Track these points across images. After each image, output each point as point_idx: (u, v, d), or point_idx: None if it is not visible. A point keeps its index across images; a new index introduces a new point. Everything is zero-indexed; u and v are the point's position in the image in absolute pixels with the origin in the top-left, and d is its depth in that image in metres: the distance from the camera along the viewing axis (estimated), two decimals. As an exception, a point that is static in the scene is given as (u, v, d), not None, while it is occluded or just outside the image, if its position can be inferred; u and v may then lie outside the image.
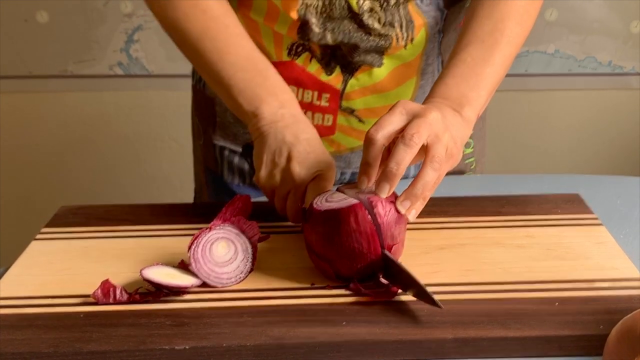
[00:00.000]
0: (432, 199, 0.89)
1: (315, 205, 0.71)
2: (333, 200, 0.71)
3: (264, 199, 0.86)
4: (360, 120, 0.93)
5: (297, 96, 0.91)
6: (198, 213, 0.87)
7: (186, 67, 0.95)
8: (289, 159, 0.77)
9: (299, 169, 0.76)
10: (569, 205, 0.87)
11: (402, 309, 0.67)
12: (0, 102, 1.88)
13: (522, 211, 0.86)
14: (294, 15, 0.85)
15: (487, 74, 0.79)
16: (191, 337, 0.63)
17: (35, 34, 1.81)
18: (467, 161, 1.03)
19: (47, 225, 0.85)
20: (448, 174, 1.00)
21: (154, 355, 0.62)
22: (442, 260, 0.76)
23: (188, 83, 1.09)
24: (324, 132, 0.93)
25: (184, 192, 1.93)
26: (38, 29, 1.81)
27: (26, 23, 1.80)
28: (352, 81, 0.89)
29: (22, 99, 1.89)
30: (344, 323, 0.65)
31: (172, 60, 1.82)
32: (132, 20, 1.79)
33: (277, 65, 0.89)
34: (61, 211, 0.88)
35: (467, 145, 1.02)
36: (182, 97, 1.41)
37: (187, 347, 0.62)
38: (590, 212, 0.85)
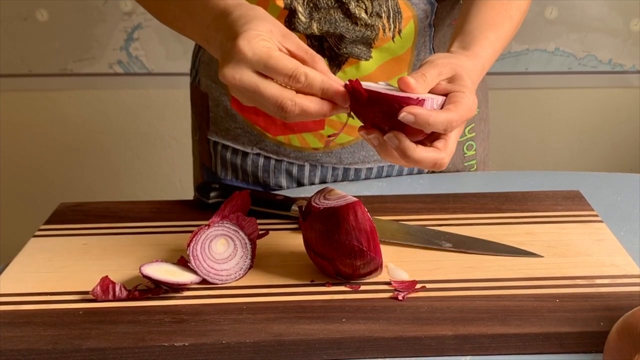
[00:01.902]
0: (432, 196, 0.89)
1: (313, 204, 0.71)
2: (331, 198, 0.71)
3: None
4: (349, 115, 0.92)
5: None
6: (197, 210, 0.87)
7: (186, 65, 0.95)
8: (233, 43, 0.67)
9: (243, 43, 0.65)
10: (570, 202, 0.87)
11: (402, 306, 0.67)
12: (-1, 101, 1.88)
13: (523, 208, 0.85)
14: (280, 2, 0.85)
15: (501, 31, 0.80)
16: (190, 334, 0.63)
17: (34, 32, 1.81)
18: (467, 163, 1.03)
19: (46, 223, 0.85)
20: (447, 171, 1.01)
21: (153, 352, 0.62)
22: (443, 257, 0.75)
23: (187, 81, 1.09)
24: (313, 126, 0.93)
25: (184, 190, 1.93)
26: (38, 27, 1.80)
27: (26, 21, 1.80)
28: (339, 74, 0.89)
29: (21, 98, 1.88)
30: (343, 320, 0.65)
31: (171, 58, 1.82)
32: (132, 19, 1.79)
33: None
34: (60, 208, 0.88)
35: (469, 147, 1.02)
36: (182, 96, 1.41)
37: (186, 343, 0.62)
38: (591, 209, 0.85)
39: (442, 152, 0.66)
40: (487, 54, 0.77)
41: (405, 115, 0.63)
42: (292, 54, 0.66)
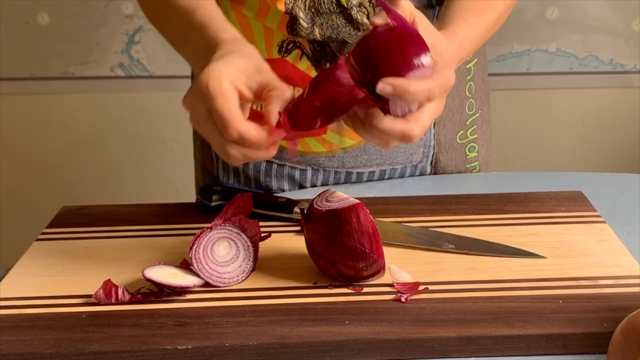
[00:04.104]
0: (434, 197, 0.89)
1: (315, 206, 0.71)
2: (333, 200, 0.71)
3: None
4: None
5: None
6: (199, 212, 0.87)
7: (187, 68, 0.95)
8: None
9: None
10: (572, 203, 0.86)
11: (405, 308, 0.67)
12: (1, 104, 1.88)
13: (525, 209, 0.85)
14: (280, 7, 0.85)
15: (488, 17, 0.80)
16: (194, 337, 0.63)
17: (36, 35, 1.81)
18: (469, 165, 1.02)
19: (49, 226, 0.85)
20: (449, 173, 1.01)
21: (156, 355, 0.62)
22: (445, 258, 0.75)
23: (189, 84, 1.09)
24: (316, 131, 0.92)
25: (186, 192, 1.92)
26: (39, 30, 1.81)
27: (27, 25, 1.80)
28: None
29: (23, 101, 1.89)
30: (346, 322, 0.65)
31: (173, 61, 1.82)
32: (133, 22, 1.79)
33: (268, 62, 0.88)
34: (63, 211, 0.88)
35: (471, 149, 1.02)
36: (184, 98, 1.41)
37: (189, 347, 0.62)
38: (594, 210, 0.85)
39: (412, 124, 0.65)
40: (466, 35, 0.76)
41: (383, 86, 0.61)
42: (257, 89, 0.66)
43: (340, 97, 0.63)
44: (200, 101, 0.65)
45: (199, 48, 0.73)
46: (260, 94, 0.66)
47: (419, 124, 0.65)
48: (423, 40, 0.63)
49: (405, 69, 0.62)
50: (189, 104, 0.67)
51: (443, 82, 0.64)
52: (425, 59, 0.63)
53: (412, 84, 0.62)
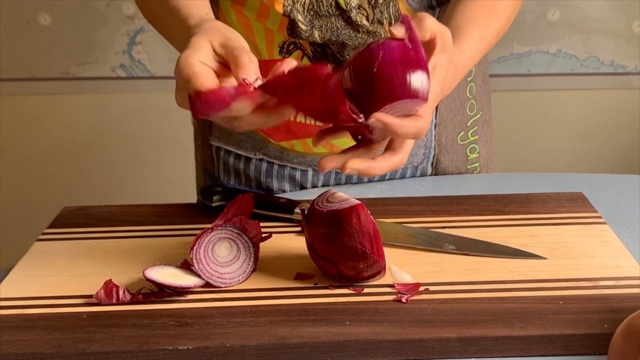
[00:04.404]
0: (435, 198, 0.89)
1: (316, 207, 0.71)
2: (334, 200, 0.71)
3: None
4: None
5: None
6: (200, 213, 0.87)
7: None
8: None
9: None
10: (573, 204, 0.87)
11: (405, 308, 0.67)
12: (2, 105, 1.88)
13: (526, 210, 0.85)
14: (279, 8, 0.85)
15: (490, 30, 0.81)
16: (194, 337, 0.63)
17: (37, 36, 1.81)
18: (470, 166, 1.03)
19: (50, 226, 0.85)
20: (450, 174, 1.01)
21: (157, 355, 0.62)
22: (446, 259, 0.75)
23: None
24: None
25: (187, 193, 1.92)
26: (40, 31, 1.81)
27: (28, 25, 1.80)
28: None
29: (24, 102, 1.89)
30: (347, 322, 0.65)
31: (174, 61, 1.79)
32: (134, 22, 1.80)
33: (268, 62, 0.89)
34: (64, 212, 0.88)
35: (472, 150, 1.02)
36: (184, 99, 1.41)
37: (190, 347, 0.62)
38: (594, 211, 0.85)
39: (400, 154, 0.66)
40: (472, 51, 0.77)
41: (374, 122, 0.62)
42: (223, 60, 0.67)
43: (323, 109, 0.62)
44: (183, 91, 0.66)
45: (177, 42, 0.75)
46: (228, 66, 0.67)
47: (405, 149, 0.67)
48: (428, 71, 0.63)
49: (400, 94, 0.62)
50: (179, 101, 0.69)
51: (429, 117, 0.65)
52: (422, 90, 0.62)
53: (403, 126, 0.62)
